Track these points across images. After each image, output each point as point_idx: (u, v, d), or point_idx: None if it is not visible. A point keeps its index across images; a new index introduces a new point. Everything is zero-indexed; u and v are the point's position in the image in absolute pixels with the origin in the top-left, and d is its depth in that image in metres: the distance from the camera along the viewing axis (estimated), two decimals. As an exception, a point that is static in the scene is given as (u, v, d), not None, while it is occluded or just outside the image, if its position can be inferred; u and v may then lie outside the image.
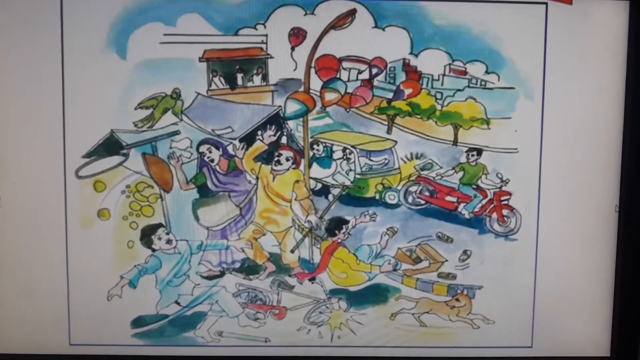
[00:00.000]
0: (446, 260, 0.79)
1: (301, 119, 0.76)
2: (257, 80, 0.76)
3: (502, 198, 0.78)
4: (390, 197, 0.78)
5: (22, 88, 0.75)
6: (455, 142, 0.77)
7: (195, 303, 0.79)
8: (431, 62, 0.75)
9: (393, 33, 0.75)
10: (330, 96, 0.76)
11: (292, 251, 0.79)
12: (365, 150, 0.77)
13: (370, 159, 0.78)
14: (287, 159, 0.77)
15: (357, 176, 0.78)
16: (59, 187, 0.76)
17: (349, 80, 0.76)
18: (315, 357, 0.81)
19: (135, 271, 0.78)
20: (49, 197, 0.76)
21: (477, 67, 0.76)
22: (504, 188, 0.78)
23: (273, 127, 0.76)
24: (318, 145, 0.77)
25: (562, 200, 0.78)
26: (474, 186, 0.78)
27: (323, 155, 0.78)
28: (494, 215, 0.79)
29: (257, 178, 0.78)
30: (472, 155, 0.77)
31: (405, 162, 0.78)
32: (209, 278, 0.79)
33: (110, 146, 0.76)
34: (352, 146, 0.77)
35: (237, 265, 0.79)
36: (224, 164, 0.77)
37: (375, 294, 0.80)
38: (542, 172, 0.78)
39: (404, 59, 0.75)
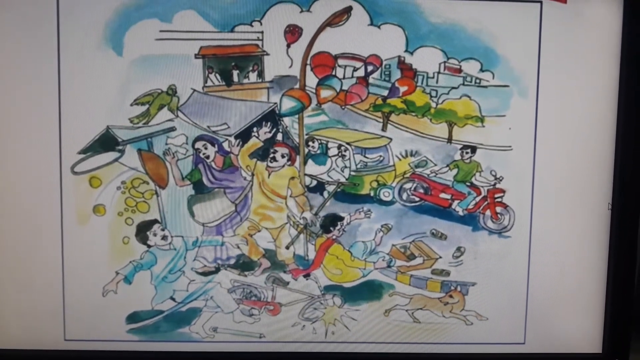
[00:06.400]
0: (440, 257, 0.80)
1: (297, 116, 0.77)
2: (253, 77, 0.76)
3: (496, 195, 0.79)
4: (385, 194, 0.79)
5: (18, 84, 0.75)
6: (449, 140, 0.78)
7: (190, 299, 0.80)
8: (426, 59, 0.76)
9: (388, 31, 0.75)
10: (325, 93, 0.76)
11: (287, 247, 0.80)
12: (360, 147, 0.78)
13: (365, 156, 0.78)
14: (283, 156, 0.77)
15: (352, 173, 0.78)
16: (55, 183, 0.76)
17: (344, 78, 0.76)
18: (309, 353, 0.81)
19: (131, 267, 0.78)
20: (45, 193, 0.76)
21: (472, 64, 0.76)
22: (497, 185, 0.79)
23: (269, 123, 0.77)
24: (313, 142, 0.77)
25: (556, 197, 0.79)
26: (468, 183, 0.79)
27: (318, 152, 0.78)
28: (488, 212, 0.79)
29: (253, 175, 0.78)
30: (467, 153, 0.78)
31: (400, 160, 0.78)
32: (204, 274, 0.79)
33: (106, 142, 0.76)
34: (347, 143, 0.77)
35: (232, 261, 0.79)
36: (220, 161, 0.77)
37: (369, 290, 0.80)
38: (535, 169, 0.78)
39: (399, 57, 0.76)
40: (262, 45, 0.75)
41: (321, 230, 0.79)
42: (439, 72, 0.76)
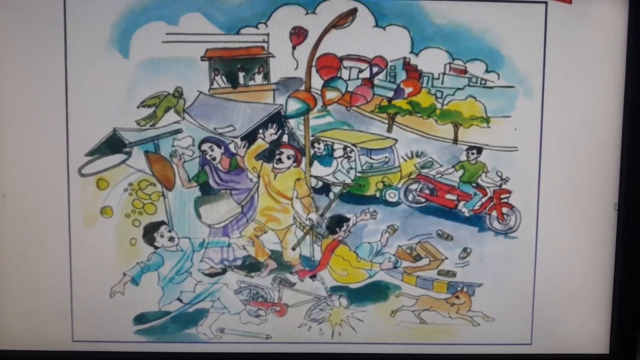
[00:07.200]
0: (446, 258, 0.80)
1: (302, 118, 0.77)
2: (259, 79, 0.76)
3: (502, 196, 0.79)
4: (391, 195, 0.79)
5: (26, 86, 0.75)
6: (455, 141, 0.78)
7: (197, 300, 0.80)
8: (431, 61, 0.76)
9: (393, 32, 0.75)
10: (331, 95, 0.76)
11: (294, 249, 0.80)
12: (365, 148, 0.78)
13: (370, 157, 0.78)
14: (289, 157, 0.78)
15: (358, 174, 0.78)
16: (62, 185, 0.77)
17: (349, 79, 0.76)
18: (316, 354, 0.81)
19: (138, 268, 0.79)
20: (52, 195, 0.77)
21: (477, 65, 0.76)
22: (503, 186, 0.79)
23: (274, 125, 0.77)
24: (319, 144, 0.78)
25: (562, 198, 0.79)
26: (474, 184, 0.79)
27: (324, 153, 0.78)
28: (494, 213, 0.79)
29: (259, 176, 0.78)
30: (472, 154, 0.78)
31: (405, 161, 0.78)
32: (211, 275, 0.80)
33: (113, 144, 0.76)
34: (353, 144, 0.78)
35: (239, 262, 0.79)
36: (226, 162, 0.78)
37: (375, 292, 0.80)
38: (541, 170, 0.78)
39: (404, 58, 0.76)
40: (268, 48, 0.75)
41: (327, 231, 0.79)
42: (444, 73, 0.76)
